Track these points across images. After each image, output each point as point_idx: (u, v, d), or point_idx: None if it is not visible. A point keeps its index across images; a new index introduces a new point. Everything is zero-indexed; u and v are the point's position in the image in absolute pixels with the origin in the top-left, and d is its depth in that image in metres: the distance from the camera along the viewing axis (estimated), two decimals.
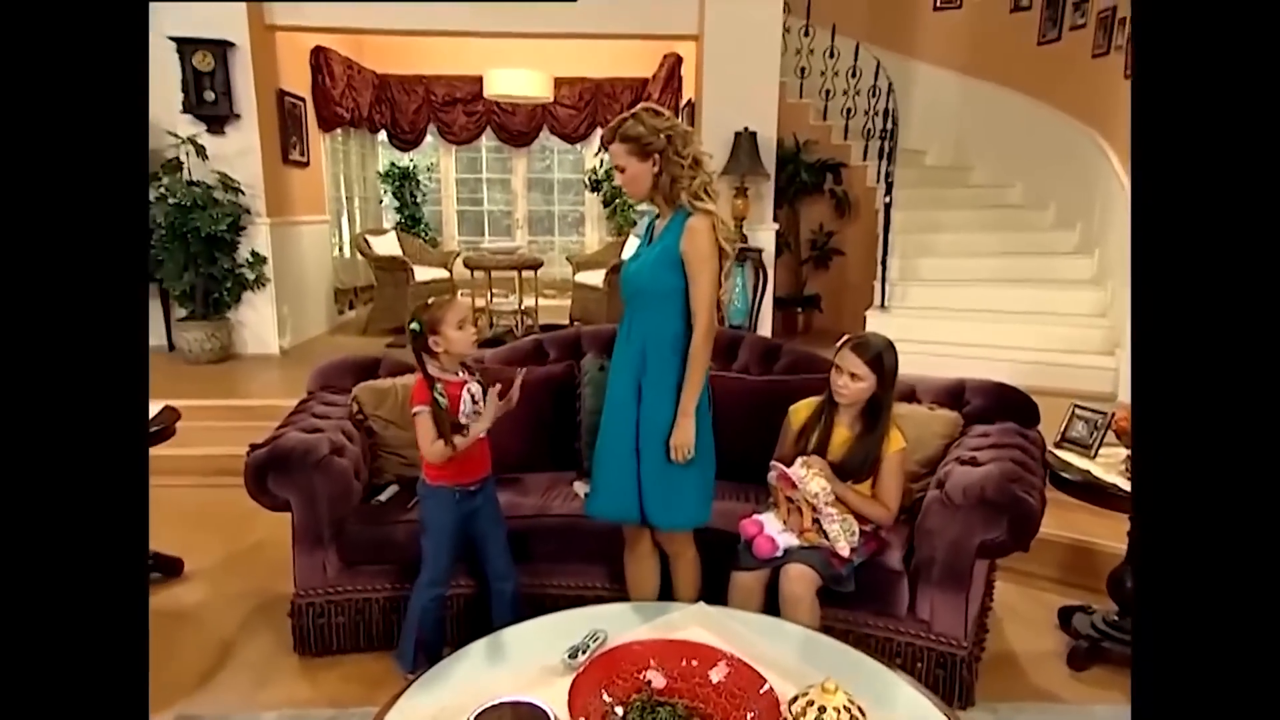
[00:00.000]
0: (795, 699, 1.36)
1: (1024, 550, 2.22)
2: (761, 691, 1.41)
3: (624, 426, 2.12)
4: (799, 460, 2.19)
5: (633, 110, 2.08)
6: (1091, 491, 2.38)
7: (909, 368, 4.68)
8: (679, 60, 6.83)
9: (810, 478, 2.11)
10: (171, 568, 3.00)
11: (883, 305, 5.70)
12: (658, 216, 2.17)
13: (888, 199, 5.83)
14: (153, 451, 2.85)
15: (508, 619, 2.12)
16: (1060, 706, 2.32)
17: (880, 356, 2.21)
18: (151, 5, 5.09)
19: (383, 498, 2.60)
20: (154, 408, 2.96)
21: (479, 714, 1.36)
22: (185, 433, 3.19)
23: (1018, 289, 5.63)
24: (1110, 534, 2.91)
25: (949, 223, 6.36)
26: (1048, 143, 6.25)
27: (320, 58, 6.52)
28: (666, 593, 2.32)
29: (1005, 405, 2.65)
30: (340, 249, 7.28)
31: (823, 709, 1.31)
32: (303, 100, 6.24)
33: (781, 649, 1.73)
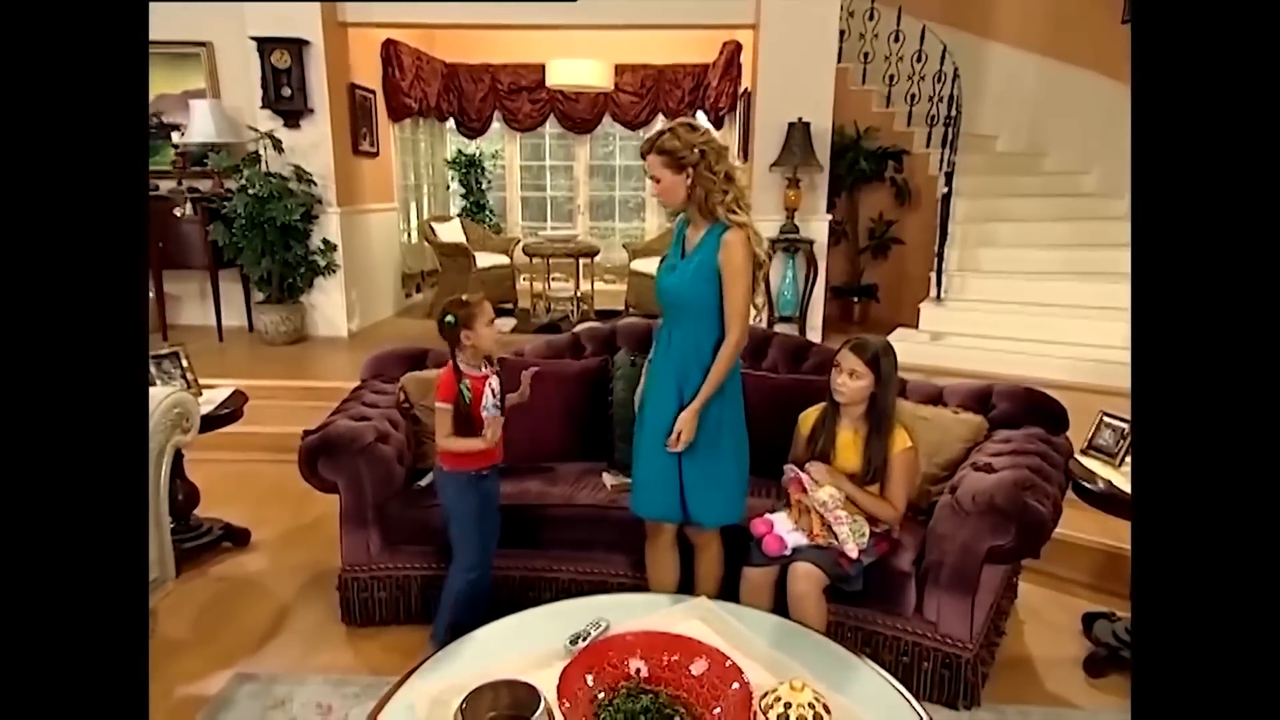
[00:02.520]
0: (765, 695, 1.45)
1: (1034, 557, 2.24)
2: (735, 686, 1.50)
3: (665, 432, 2.20)
4: (806, 467, 2.26)
5: (670, 124, 2.19)
6: (1113, 502, 2.36)
7: (961, 363, 4.64)
8: (739, 47, 6.80)
9: (818, 487, 2.18)
10: (240, 538, 3.28)
11: (938, 297, 5.61)
12: (688, 224, 2.26)
13: (947, 189, 5.71)
14: (229, 429, 3.13)
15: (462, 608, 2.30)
16: (1068, 712, 2.33)
17: (877, 356, 2.26)
18: (237, 6, 5.43)
19: (423, 482, 2.78)
20: (224, 392, 3.23)
21: (476, 691, 1.50)
22: (259, 411, 3.46)
23: (1085, 283, 5.43)
24: None
25: (1016, 211, 6.17)
26: (1128, 128, 5.97)
27: (391, 50, 6.76)
28: (685, 584, 2.43)
29: (1033, 410, 2.64)
30: (408, 235, 7.58)
31: (788, 705, 1.40)
32: (373, 93, 6.50)
33: (774, 645, 1.82)
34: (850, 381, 2.28)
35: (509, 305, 7.11)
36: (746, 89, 6.12)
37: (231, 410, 3.13)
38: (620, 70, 7.80)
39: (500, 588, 2.66)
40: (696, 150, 2.10)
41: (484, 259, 6.88)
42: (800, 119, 5.24)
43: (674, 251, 2.30)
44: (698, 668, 1.57)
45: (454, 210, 8.52)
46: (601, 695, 1.53)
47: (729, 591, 2.32)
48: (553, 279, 7.09)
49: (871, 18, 6.57)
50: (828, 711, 1.42)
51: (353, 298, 6.06)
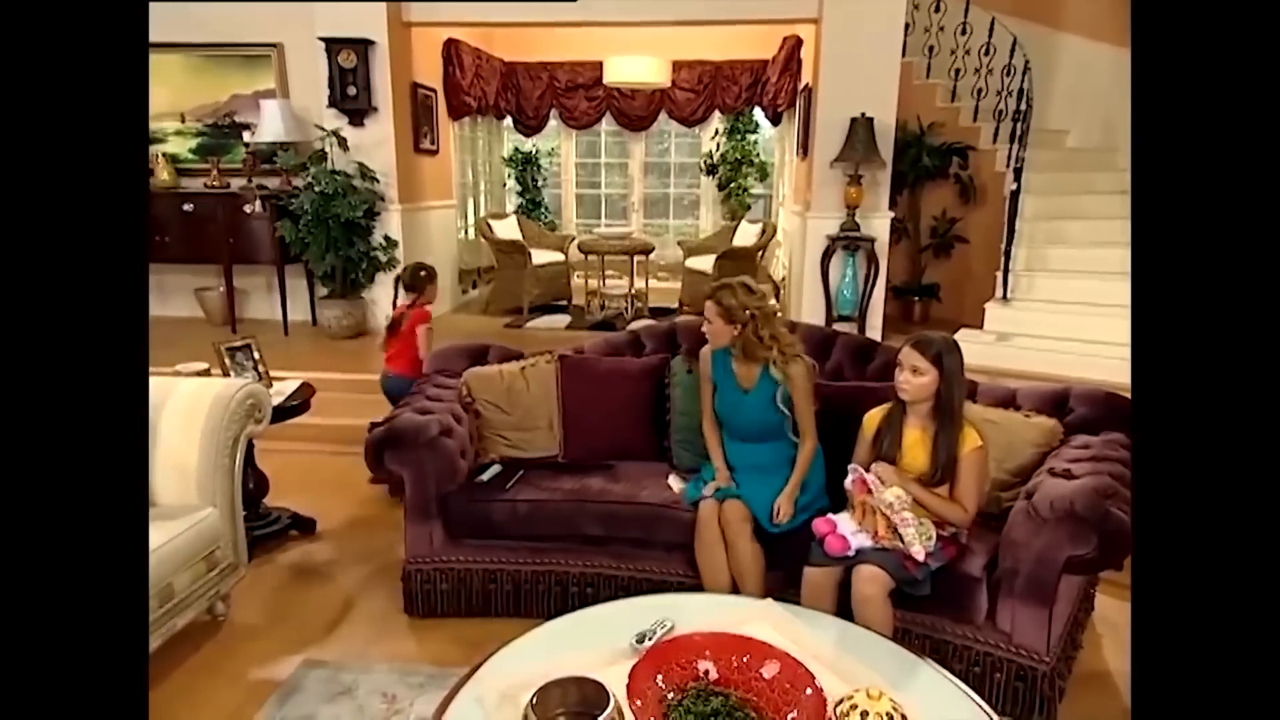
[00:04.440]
0: (840, 701, 1.41)
1: (1116, 569, 2.15)
2: (809, 691, 1.47)
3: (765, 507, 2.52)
4: (872, 468, 2.20)
5: (733, 280, 2.57)
6: None
7: (1028, 364, 4.51)
8: (799, 42, 6.69)
9: (884, 487, 2.12)
10: (307, 527, 3.36)
11: (1005, 297, 5.44)
12: (732, 358, 2.60)
13: (1015, 185, 5.53)
14: (296, 421, 3.21)
15: None
16: None
17: (940, 353, 2.21)
18: (306, 8, 5.57)
19: (485, 477, 2.80)
20: (293, 385, 3.31)
21: (545, 688, 1.50)
22: (324, 403, 3.54)
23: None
24: None
25: (1088, 209, 5.94)
26: None
27: (452, 50, 6.85)
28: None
29: (1113, 415, 2.53)
30: (465, 232, 7.68)
31: (865, 713, 1.36)
32: (434, 91, 6.60)
33: (844, 651, 1.78)
34: (913, 379, 2.22)
35: (563, 302, 7.14)
36: (807, 84, 6.03)
37: (300, 402, 3.20)
38: (677, 67, 7.78)
39: (561, 583, 2.67)
40: (748, 313, 2.49)
41: (539, 256, 6.92)
42: (863, 114, 5.13)
43: (726, 384, 2.62)
44: (769, 670, 1.54)
45: (510, 208, 8.60)
46: (671, 696, 1.51)
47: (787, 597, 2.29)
48: (607, 276, 7.10)
49: (938, 10, 6.41)
50: None
51: None
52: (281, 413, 3.06)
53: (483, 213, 7.92)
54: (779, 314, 2.61)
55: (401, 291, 3.83)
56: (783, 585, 2.33)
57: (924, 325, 6.46)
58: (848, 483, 2.24)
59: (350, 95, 5.69)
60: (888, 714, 1.37)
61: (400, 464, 2.62)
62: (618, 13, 5.66)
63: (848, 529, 2.22)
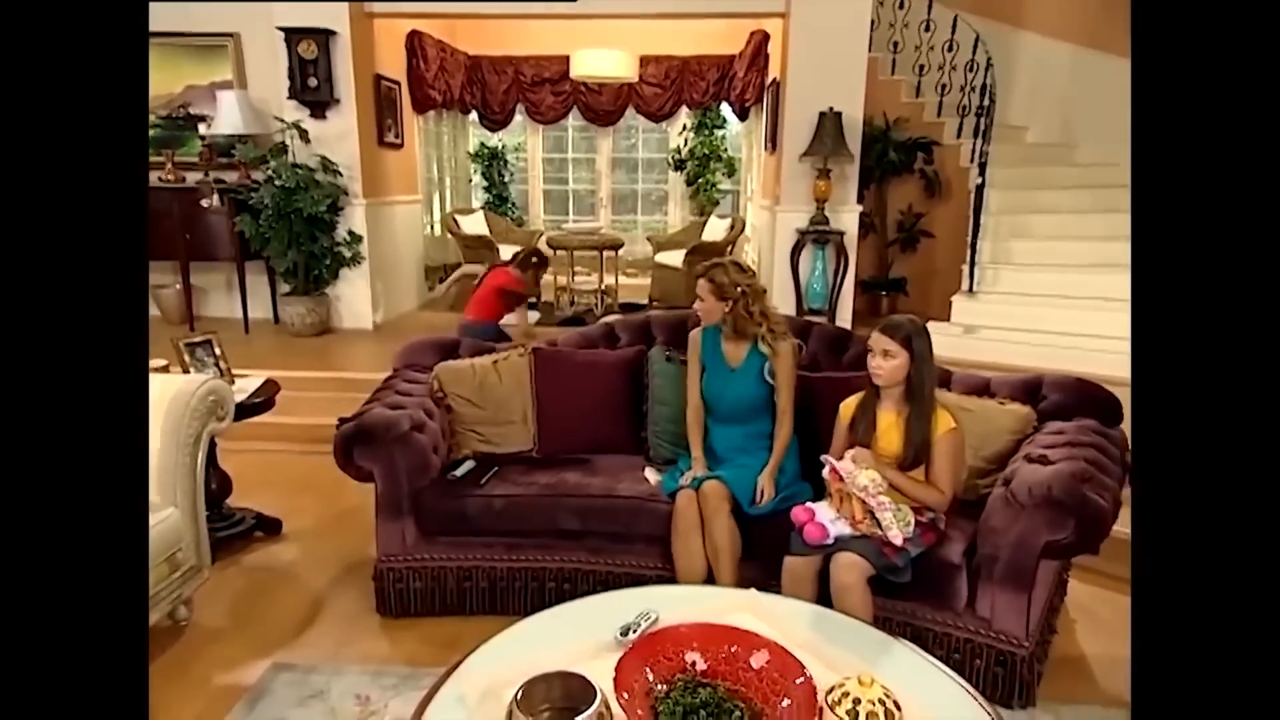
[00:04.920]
0: (832, 689, 1.39)
1: (1093, 553, 2.16)
2: (799, 680, 1.45)
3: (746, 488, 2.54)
4: (848, 454, 2.20)
5: (724, 259, 2.70)
6: None
7: (995, 356, 4.56)
8: (765, 38, 6.71)
9: (858, 471, 2.12)
10: (272, 527, 3.26)
11: (971, 290, 5.51)
12: (722, 338, 2.67)
13: (981, 179, 5.60)
14: (259, 419, 3.11)
15: None
16: (1125, 713, 2.25)
17: (909, 336, 2.23)
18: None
19: (458, 472, 2.74)
20: (256, 381, 3.21)
21: (530, 683, 1.46)
22: (287, 402, 3.44)
23: (1122, 275, 5.29)
24: None
25: (1049, 204, 6.04)
26: None
27: (415, 42, 6.74)
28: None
29: (1086, 402, 2.56)
30: (431, 227, 7.56)
31: (857, 700, 1.34)
32: (398, 84, 6.48)
33: (829, 639, 1.76)
34: (885, 363, 2.24)
35: (532, 299, 7.06)
36: (775, 79, 6.05)
37: (264, 399, 3.10)
38: (644, 62, 7.75)
39: (538, 579, 2.63)
40: (739, 289, 2.55)
41: (507, 251, 6.80)
42: (831, 109, 5.16)
43: (715, 364, 2.67)
44: (758, 660, 1.51)
45: (476, 203, 8.49)
46: (660, 688, 1.48)
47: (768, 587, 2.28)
48: (576, 272, 7.04)
49: (901, 6, 6.47)
50: (898, 708, 1.36)
51: (377, 289, 6.05)
52: (245, 410, 2.96)
53: (448, 208, 7.81)
54: (767, 293, 2.68)
55: (515, 268, 4.64)
56: (762, 577, 2.31)
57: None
58: (824, 473, 2.24)
59: (311, 87, 5.55)
60: (879, 700, 1.35)
61: (371, 460, 2.54)
62: (585, 5, 5.61)
63: (826, 517, 2.22)
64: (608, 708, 1.41)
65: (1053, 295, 5.35)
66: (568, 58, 7.31)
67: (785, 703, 1.41)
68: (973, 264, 5.55)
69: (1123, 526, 2.30)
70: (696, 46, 8.04)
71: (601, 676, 1.49)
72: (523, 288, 4.59)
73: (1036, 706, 2.22)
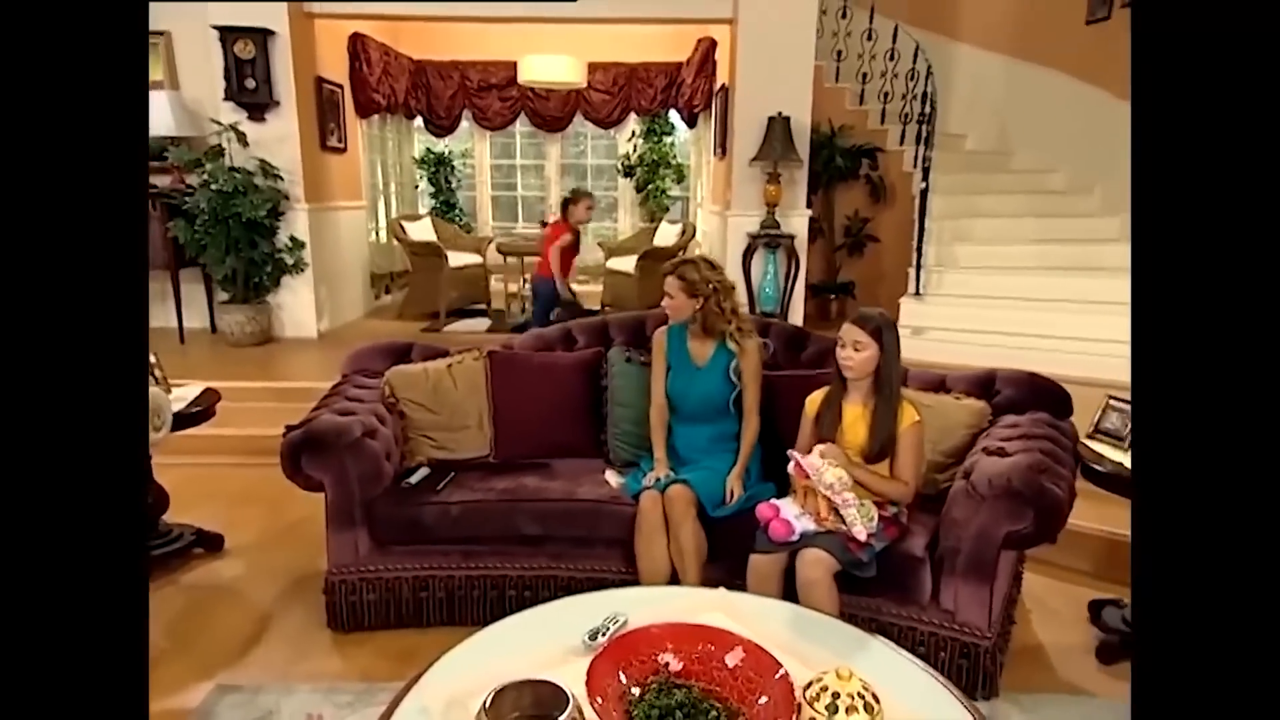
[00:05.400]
0: (810, 684, 1.37)
1: (1051, 542, 2.20)
2: (776, 676, 1.42)
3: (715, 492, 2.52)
4: (815, 450, 2.19)
5: (695, 257, 2.76)
6: (1124, 484, 2.34)
7: (942, 356, 4.64)
8: (713, 44, 6.77)
9: (825, 468, 2.11)
10: (213, 543, 3.10)
11: (917, 292, 5.62)
12: (688, 336, 2.65)
13: (924, 184, 5.73)
14: (195, 431, 2.96)
15: None
16: (1087, 700, 2.29)
17: (880, 329, 2.25)
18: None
19: (413, 480, 2.65)
20: (195, 390, 3.06)
21: (498, 691, 1.39)
22: (227, 413, 3.29)
23: (1059, 277, 5.50)
24: None
25: (988, 208, 6.23)
26: (1094, 126, 6.08)
27: (358, 44, 6.59)
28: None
29: (1037, 395, 2.61)
30: (376, 234, 7.39)
31: (836, 695, 1.32)
32: (340, 87, 6.33)
33: (800, 635, 1.74)
34: (855, 355, 2.25)
35: (482, 306, 6.96)
36: (723, 85, 6.09)
37: (204, 408, 2.96)
38: (592, 69, 7.73)
39: (497, 587, 2.56)
40: (710, 285, 2.55)
41: (456, 258, 6.71)
42: (780, 113, 5.21)
43: (680, 362, 2.65)
44: (733, 659, 1.48)
45: (422, 209, 8.34)
46: (634, 691, 1.44)
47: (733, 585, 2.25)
48: (526, 279, 6.96)
49: (844, 16, 6.60)
50: (877, 700, 1.34)
51: (321, 297, 5.87)
52: (183, 420, 2.82)
53: (394, 214, 7.64)
54: (735, 289, 2.69)
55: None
56: (727, 578, 2.28)
57: (840, 322, 6.61)
58: (790, 468, 2.23)
59: (249, 88, 5.37)
60: (858, 694, 1.33)
61: (320, 468, 2.44)
62: (533, 9, 5.55)
63: (791, 513, 2.21)
64: (580, 713, 1.36)
65: (996, 296, 5.50)
66: (515, 64, 7.25)
67: (763, 700, 1.38)
68: (919, 267, 5.67)
69: (1074, 519, 2.35)
70: (644, 53, 8.06)
71: (572, 682, 1.44)
72: (563, 229, 5.26)
73: (999, 697, 2.24)
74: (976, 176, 6.52)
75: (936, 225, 5.87)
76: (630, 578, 2.49)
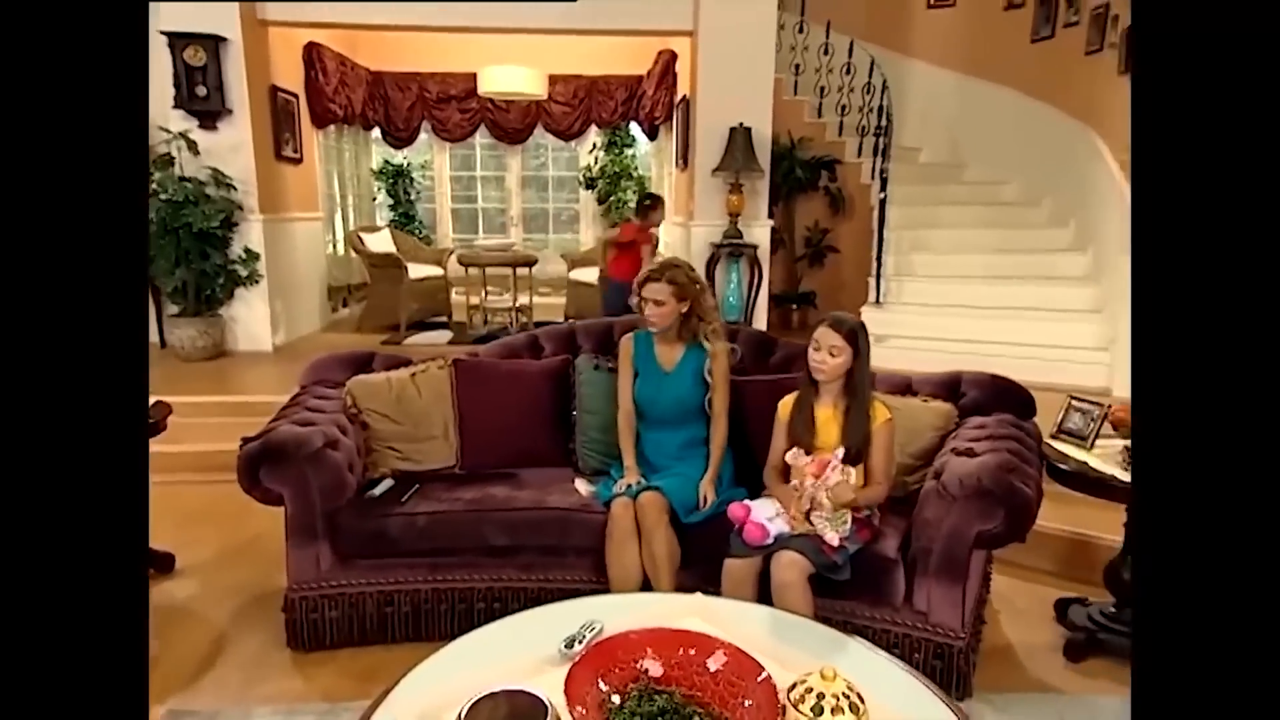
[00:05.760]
0: (794, 686, 1.35)
1: (1021, 541, 2.22)
2: (759, 679, 1.39)
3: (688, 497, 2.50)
4: (836, 455, 2.16)
5: (675, 259, 2.71)
6: (1088, 482, 2.37)
7: (903, 363, 4.71)
8: (674, 57, 6.82)
9: (833, 473, 2.09)
10: (163, 564, 2.97)
11: (878, 301, 5.70)
12: (655, 343, 2.63)
13: (883, 195, 5.83)
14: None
15: None
16: (1057, 697, 2.31)
17: (854, 332, 2.27)
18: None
19: (377, 491, 2.58)
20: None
21: (473, 704, 1.34)
22: (178, 429, 3.16)
23: (1012, 285, 5.64)
24: (1106, 526, 2.91)
25: (944, 219, 6.36)
26: (1042, 140, 6.26)
27: (313, 54, 6.48)
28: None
29: (1001, 397, 2.65)
30: (334, 246, 7.25)
31: (821, 695, 1.30)
32: (295, 96, 6.21)
33: (779, 638, 1.72)
34: (831, 359, 2.25)
35: (443, 318, 6.86)
36: (684, 96, 6.13)
37: (154, 422, 2.84)
38: (553, 81, 7.72)
39: (465, 600, 2.49)
40: (697, 287, 2.58)
41: (416, 270, 6.62)
42: (741, 124, 5.26)
43: (648, 368, 2.62)
44: (715, 663, 1.45)
45: (380, 221, 8.22)
46: (616, 699, 1.40)
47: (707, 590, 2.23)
48: (489, 291, 6.88)
49: (801, 30, 6.71)
50: (862, 701, 1.32)
51: (277, 310, 5.72)
52: None
53: (352, 226, 7.51)
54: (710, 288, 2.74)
55: (633, 216, 5.41)
56: (700, 585, 2.25)
57: (803, 332, 6.67)
58: (791, 456, 2.18)
59: (200, 95, 5.23)
60: (843, 694, 1.31)
61: (280, 481, 2.35)
62: (493, 18, 5.53)
63: (763, 515, 2.19)
64: None
65: (954, 305, 5.62)
66: (474, 75, 7.21)
67: (747, 703, 1.35)
68: (879, 277, 5.76)
69: (1038, 520, 2.38)
70: (605, 66, 8.08)
71: (550, 692, 1.39)
72: (631, 233, 5.25)
73: (973, 697, 2.25)
74: (931, 188, 6.66)
75: (895, 235, 5.98)
76: (602, 587, 2.44)
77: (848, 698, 1.31)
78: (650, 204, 5.28)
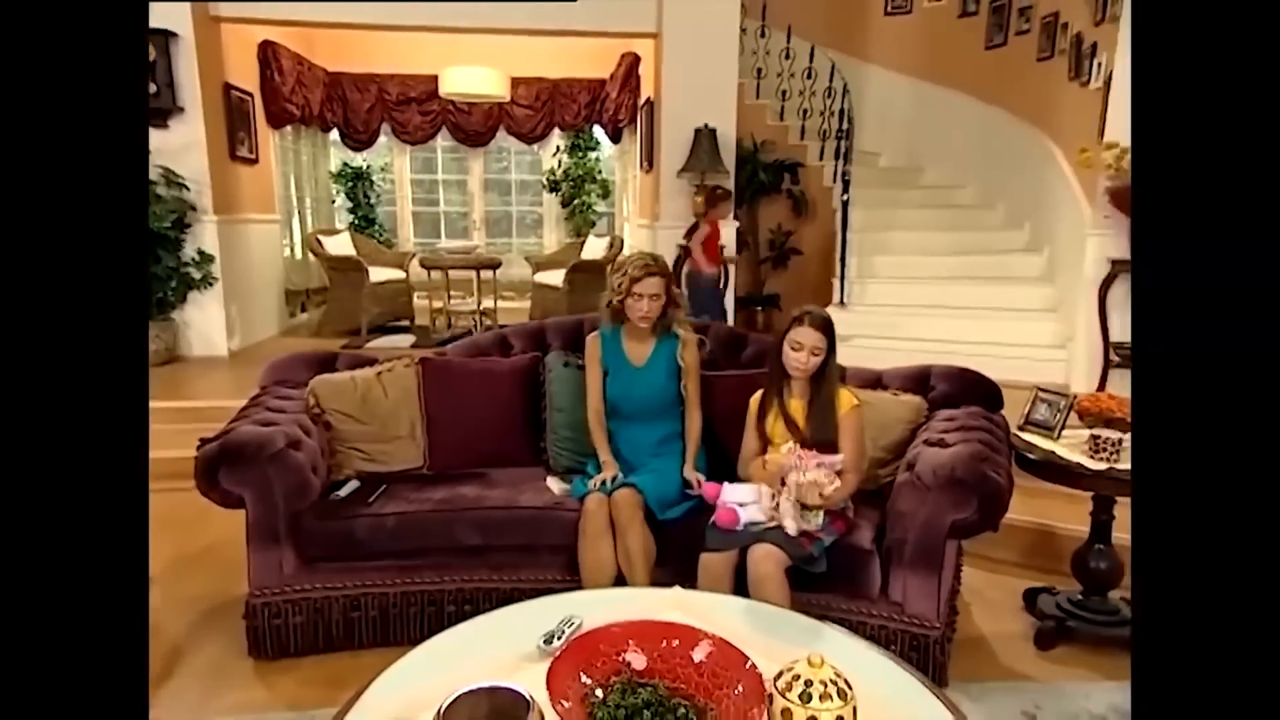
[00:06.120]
0: (780, 674, 1.33)
1: (994, 529, 2.24)
2: (746, 668, 1.37)
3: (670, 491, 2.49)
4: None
5: (643, 253, 2.67)
6: (1056, 471, 2.41)
7: (869, 363, 4.75)
8: (637, 59, 6.82)
9: (823, 473, 2.07)
10: None
11: (842, 302, 5.76)
12: (622, 337, 2.60)
13: (846, 197, 5.90)
14: None
15: None
16: (1031, 684, 2.33)
17: (829, 326, 2.30)
18: None
19: (342, 493, 2.51)
20: None
21: (452, 702, 1.30)
22: None
23: (971, 285, 5.74)
24: (1070, 517, 2.97)
25: (903, 222, 6.46)
26: (997, 144, 6.40)
27: (269, 52, 6.34)
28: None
29: (970, 390, 2.67)
30: (292, 249, 7.09)
31: (809, 682, 1.28)
32: (250, 96, 6.06)
33: (760, 629, 1.70)
34: (813, 359, 2.26)
35: (405, 322, 6.75)
36: (649, 98, 6.13)
37: None
38: (515, 83, 7.67)
39: (435, 603, 2.43)
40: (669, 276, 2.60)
41: (377, 273, 6.49)
42: (706, 125, 5.27)
43: (619, 365, 2.60)
44: (700, 653, 1.42)
45: (340, 225, 8.06)
46: (600, 693, 1.36)
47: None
48: (452, 295, 6.79)
49: (763, 35, 6.77)
50: (849, 686, 1.31)
51: (232, 314, 5.56)
52: None
53: (310, 229, 7.35)
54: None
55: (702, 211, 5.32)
56: (676, 581, 2.21)
57: (767, 334, 6.70)
58: (790, 449, 2.17)
59: (151, 93, 5.07)
60: (830, 681, 1.29)
61: (240, 483, 2.27)
62: (456, 18, 5.47)
63: (734, 498, 2.18)
64: (543, 718, 1.28)
65: (916, 305, 5.70)
66: (435, 76, 7.12)
67: (739, 689, 1.33)
68: (843, 278, 5.82)
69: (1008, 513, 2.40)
70: (567, 69, 8.05)
71: (531, 687, 1.35)
72: (714, 227, 5.29)
73: (949, 686, 2.25)
74: (891, 192, 6.76)
75: (857, 238, 6.05)
76: (576, 586, 2.39)
77: (835, 684, 1.29)
78: (723, 195, 5.38)
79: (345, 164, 8.22)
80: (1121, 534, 2.56)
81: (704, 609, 1.76)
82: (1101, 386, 4.30)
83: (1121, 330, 4.32)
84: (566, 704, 1.28)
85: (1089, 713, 2.18)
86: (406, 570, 2.41)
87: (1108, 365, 4.34)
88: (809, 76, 6.76)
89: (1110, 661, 2.43)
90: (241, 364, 5.21)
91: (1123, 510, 2.54)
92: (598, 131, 8.34)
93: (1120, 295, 4.31)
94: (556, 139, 8.45)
